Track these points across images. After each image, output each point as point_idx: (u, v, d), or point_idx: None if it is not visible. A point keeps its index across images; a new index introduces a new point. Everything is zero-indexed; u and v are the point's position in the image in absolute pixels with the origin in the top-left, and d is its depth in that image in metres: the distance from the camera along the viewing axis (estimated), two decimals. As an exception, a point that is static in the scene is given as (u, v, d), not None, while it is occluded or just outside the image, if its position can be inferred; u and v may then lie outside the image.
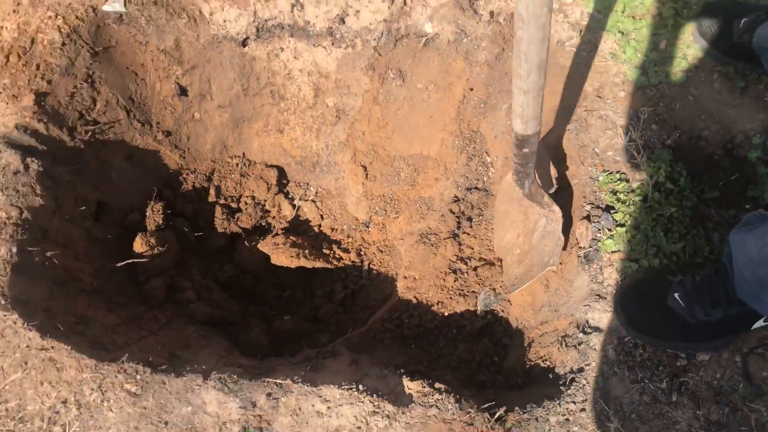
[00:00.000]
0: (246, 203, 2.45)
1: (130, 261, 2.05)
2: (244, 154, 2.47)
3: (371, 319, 2.02)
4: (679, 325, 1.56)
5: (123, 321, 1.96)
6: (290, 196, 2.48)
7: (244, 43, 2.19)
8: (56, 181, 1.99)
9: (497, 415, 1.52)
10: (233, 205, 2.44)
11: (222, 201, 2.43)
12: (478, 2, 2.05)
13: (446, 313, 1.97)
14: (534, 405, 1.55)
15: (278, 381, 1.63)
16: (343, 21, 2.08)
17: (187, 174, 2.41)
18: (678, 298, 1.56)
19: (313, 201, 2.46)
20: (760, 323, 1.53)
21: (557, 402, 1.54)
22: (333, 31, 2.09)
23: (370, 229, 2.36)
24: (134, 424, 1.59)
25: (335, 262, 2.32)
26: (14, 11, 2.10)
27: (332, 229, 2.43)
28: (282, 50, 2.18)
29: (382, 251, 2.30)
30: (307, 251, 2.28)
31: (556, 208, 1.80)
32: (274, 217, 2.47)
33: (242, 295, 2.32)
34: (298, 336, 2.11)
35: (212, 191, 2.42)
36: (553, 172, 1.90)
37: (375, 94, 2.18)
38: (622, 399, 1.55)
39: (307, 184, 2.47)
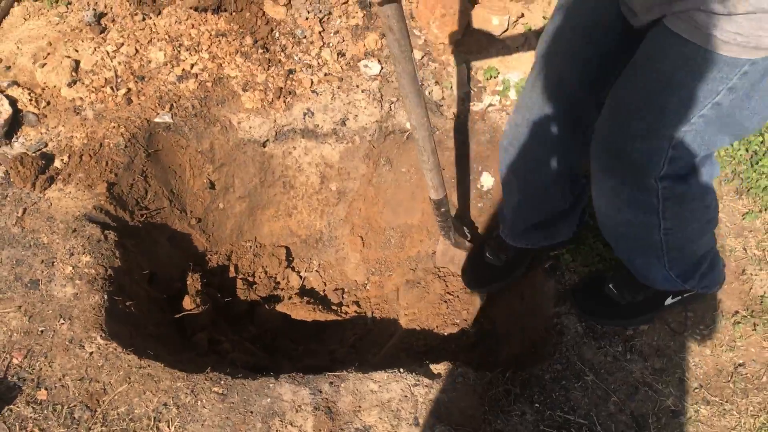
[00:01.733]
0: (260, 277, 2.95)
1: (185, 313, 2.50)
2: (255, 238, 3.01)
3: (386, 346, 2.54)
4: (614, 307, 2.19)
5: (181, 362, 2.38)
6: (296, 270, 3.01)
7: (264, 144, 2.80)
8: (126, 250, 2.46)
9: (507, 374, 2.06)
10: (250, 279, 2.94)
11: (240, 276, 2.92)
12: (442, 107, 2.80)
13: (446, 333, 2.52)
14: (532, 368, 2.10)
15: (336, 374, 2.11)
16: (344, 123, 2.75)
17: (211, 255, 2.91)
18: (612, 288, 2.20)
19: (317, 271, 3.00)
20: (669, 300, 2.16)
21: (548, 365, 2.11)
22: (337, 131, 2.76)
23: (368, 287, 2.91)
24: (225, 416, 2.00)
25: (343, 315, 2.83)
26: (81, 124, 2.65)
27: (335, 291, 2.96)
28: (295, 148, 2.81)
29: (381, 302, 2.84)
30: (320, 306, 2.79)
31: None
32: (283, 289, 2.97)
33: (264, 350, 2.77)
34: (323, 371, 2.57)
35: (232, 268, 2.92)
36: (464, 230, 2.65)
37: (370, 177, 2.83)
38: (593, 360, 2.13)
39: (311, 258, 3.02)
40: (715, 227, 1.89)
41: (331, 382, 2.09)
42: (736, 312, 2.24)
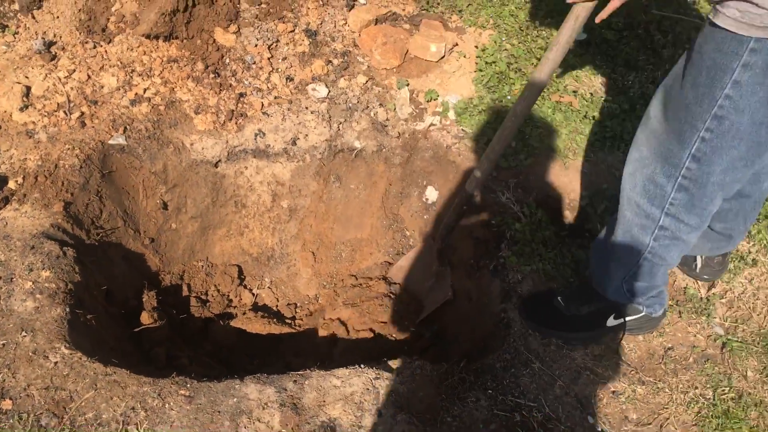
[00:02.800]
0: (213, 295, 3.01)
1: (143, 327, 2.54)
2: (207, 258, 3.08)
3: (336, 352, 2.65)
4: (560, 319, 2.34)
5: (141, 375, 2.41)
6: (248, 287, 3.09)
7: (216, 165, 2.90)
8: (84, 266, 2.49)
9: (462, 363, 2.20)
10: (203, 297, 3.00)
11: (194, 294, 2.98)
12: (387, 128, 2.98)
13: (397, 338, 2.64)
14: (483, 359, 2.25)
15: (300, 372, 2.20)
16: (295, 143, 2.89)
17: (165, 274, 2.95)
18: (560, 300, 2.36)
19: (269, 288, 3.09)
20: (611, 321, 2.32)
21: (498, 355, 2.26)
22: (288, 150, 2.89)
23: (320, 300, 3.02)
24: (193, 416, 2.06)
25: (297, 328, 2.92)
26: (35, 147, 2.69)
27: (287, 306, 3.05)
28: (246, 168, 2.92)
29: (332, 312, 2.95)
30: (274, 320, 2.87)
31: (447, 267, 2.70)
32: (235, 306, 3.04)
33: (221, 364, 2.82)
34: (280, 380, 2.65)
35: (185, 287, 2.98)
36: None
37: (320, 194, 2.96)
38: (538, 350, 2.30)
39: (263, 275, 3.10)
40: (684, 252, 2.08)
41: (295, 381, 2.17)
42: (663, 302, 2.46)
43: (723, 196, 1.89)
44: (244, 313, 2.93)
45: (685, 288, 2.53)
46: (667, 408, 2.19)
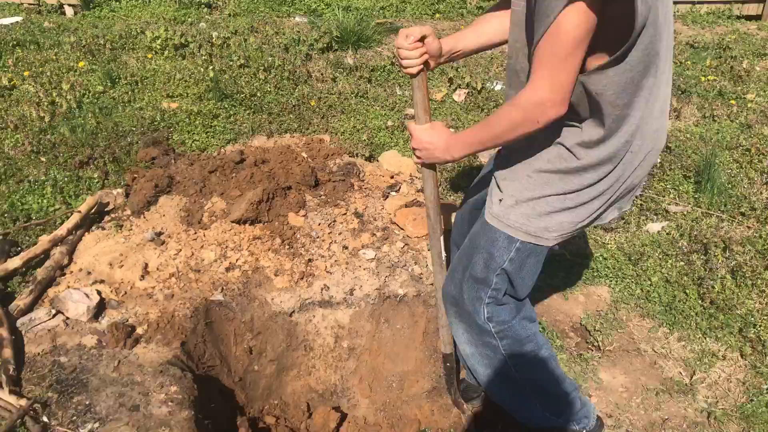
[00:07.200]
0: (287, 426, 3.61)
1: (243, 437, 3.15)
2: (281, 397, 3.72)
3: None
4: None
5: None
6: (314, 417, 3.68)
7: (291, 315, 3.67)
8: (199, 386, 3.17)
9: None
10: (280, 429, 3.60)
11: (272, 425, 3.58)
12: (422, 278, 3.80)
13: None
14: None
15: None
16: (352, 293, 3.69)
17: (249, 409, 3.59)
18: None
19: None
20: None
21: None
22: (347, 299, 3.68)
23: (380, 425, 3.61)
24: None
25: (361, 446, 3.49)
26: (155, 304, 3.49)
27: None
28: (314, 316, 3.69)
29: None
30: (342, 439, 3.46)
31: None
32: (306, 436, 3.63)
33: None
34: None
35: (266, 419, 3.59)
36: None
37: (373, 333, 3.70)
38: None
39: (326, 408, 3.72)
40: (555, 363, 2.59)
41: None
42: (656, 387, 3.12)
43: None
44: (315, 437, 3.52)
45: (671, 377, 3.19)
46: (671, 460, 2.77)
